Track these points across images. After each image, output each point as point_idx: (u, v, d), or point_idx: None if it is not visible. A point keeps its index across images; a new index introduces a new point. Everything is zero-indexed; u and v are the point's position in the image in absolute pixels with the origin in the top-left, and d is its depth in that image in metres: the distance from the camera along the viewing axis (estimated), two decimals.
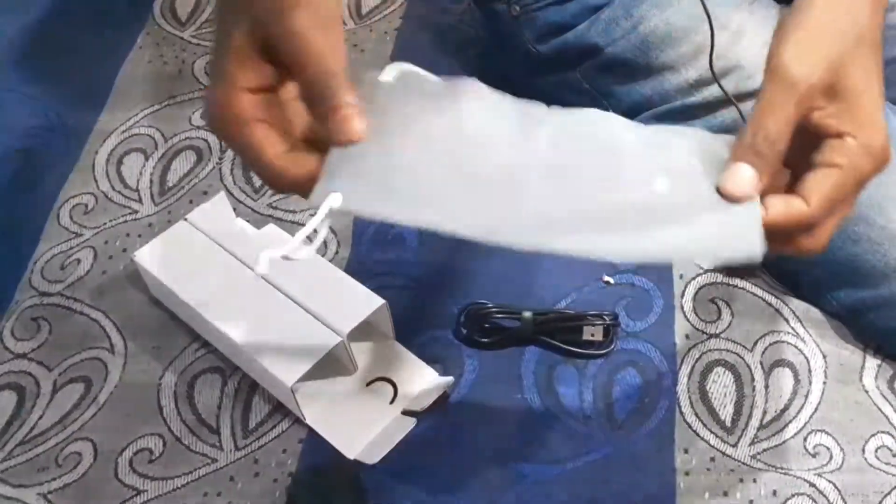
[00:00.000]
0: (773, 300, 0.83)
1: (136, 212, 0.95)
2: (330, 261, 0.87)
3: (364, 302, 0.79)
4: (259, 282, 0.79)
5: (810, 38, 0.52)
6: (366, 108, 0.52)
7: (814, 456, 0.75)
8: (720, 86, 0.71)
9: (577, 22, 0.88)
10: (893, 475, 0.73)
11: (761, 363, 0.80)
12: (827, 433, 0.76)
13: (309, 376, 0.76)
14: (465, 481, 0.75)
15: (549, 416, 0.78)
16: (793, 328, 0.82)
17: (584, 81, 0.91)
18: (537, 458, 0.76)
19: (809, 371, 0.79)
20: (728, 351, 0.81)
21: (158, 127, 1.03)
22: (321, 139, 0.53)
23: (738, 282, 0.85)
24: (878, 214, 0.76)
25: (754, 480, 0.74)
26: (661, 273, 0.86)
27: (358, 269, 0.87)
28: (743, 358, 0.80)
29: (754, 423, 0.77)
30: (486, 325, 0.82)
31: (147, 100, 1.05)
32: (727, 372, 0.80)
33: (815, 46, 0.51)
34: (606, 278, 0.86)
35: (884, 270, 0.76)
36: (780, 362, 0.80)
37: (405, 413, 0.79)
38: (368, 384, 0.81)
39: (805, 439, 0.76)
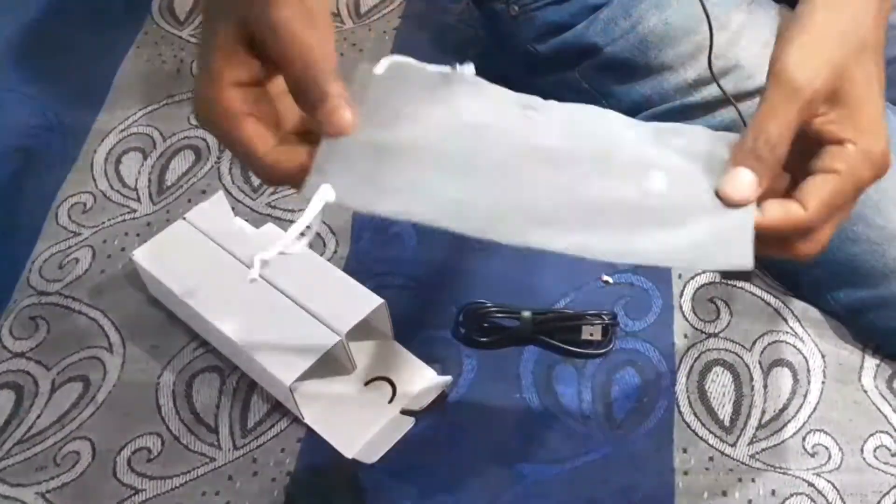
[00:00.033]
0: (772, 300, 0.84)
1: (135, 211, 0.95)
2: (328, 260, 0.87)
3: (363, 301, 0.79)
4: (257, 281, 0.79)
5: (814, 43, 0.51)
6: (359, 101, 0.52)
7: (812, 455, 0.75)
8: (719, 86, 0.71)
9: (575, 22, 0.88)
10: (892, 475, 0.73)
11: (760, 363, 0.80)
12: (826, 433, 0.76)
13: (307, 375, 0.76)
14: (464, 481, 0.75)
15: (548, 415, 0.78)
16: (792, 328, 0.82)
17: (583, 81, 0.91)
18: (536, 457, 0.76)
19: (808, 371, 0.79)
20: (727, 351, 0.81)
21: (157, 126, 1.02)
22: (314, 132, 0.53)
23: (737, 282, 0.85)
24: (877, 215, 0.76)
25: (753, 480, 0.74)
26: (660, 273, 0.86)
27: (357, 268, 0.87)
28: (742, 357, 0.80)
29: (753, 422, 0.77)
30: (485, 325, 0.82)
31: (145, 99, 1.05)
32: (726, 371, 0.80)
33: (818, 51, 0.51)
34: (605, 278, 0.86)
35: (883, 270, 0.76)
36: (778, 362, 0.80)
37: (404, 412, 0.79)
38: (367, 383, 0.81)
39: (804, 439, 0.76)
